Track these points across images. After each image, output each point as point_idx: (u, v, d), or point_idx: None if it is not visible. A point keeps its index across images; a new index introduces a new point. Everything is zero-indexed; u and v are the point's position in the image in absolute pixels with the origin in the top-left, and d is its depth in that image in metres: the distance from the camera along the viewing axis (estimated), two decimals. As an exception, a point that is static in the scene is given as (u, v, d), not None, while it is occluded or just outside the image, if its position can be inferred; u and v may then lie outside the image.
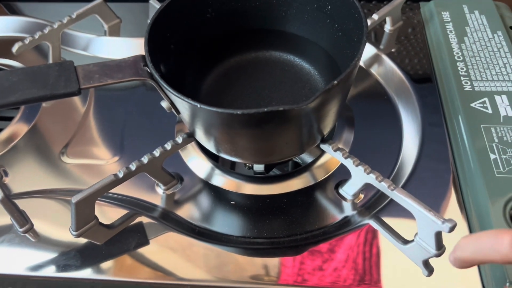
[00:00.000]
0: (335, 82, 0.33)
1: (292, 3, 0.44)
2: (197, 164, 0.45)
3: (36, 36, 0.51)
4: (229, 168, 0.44)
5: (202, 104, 0.32)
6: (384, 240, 0.39)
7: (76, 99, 0.52)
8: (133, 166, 0.39)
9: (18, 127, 0.50)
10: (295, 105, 0.32)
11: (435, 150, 0.44)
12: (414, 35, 0.54)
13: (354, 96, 0.50)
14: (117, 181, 0.38)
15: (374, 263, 0.37)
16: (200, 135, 0.38)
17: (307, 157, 0.46)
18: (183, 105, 0.34)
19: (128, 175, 0.38)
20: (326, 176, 0.44)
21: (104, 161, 0.47)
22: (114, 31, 0.58)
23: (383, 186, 0.37)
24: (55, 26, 0.52)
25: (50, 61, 0.54)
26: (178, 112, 0.38)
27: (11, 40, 0.53)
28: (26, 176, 0.46)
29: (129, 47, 0.57)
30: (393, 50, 0.53)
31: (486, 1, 0.55)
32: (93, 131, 0.49)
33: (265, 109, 0.32)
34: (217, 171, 0.44)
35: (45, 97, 0.33)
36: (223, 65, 0.47)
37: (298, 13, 0.44)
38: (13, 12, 0.64)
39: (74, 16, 0.52)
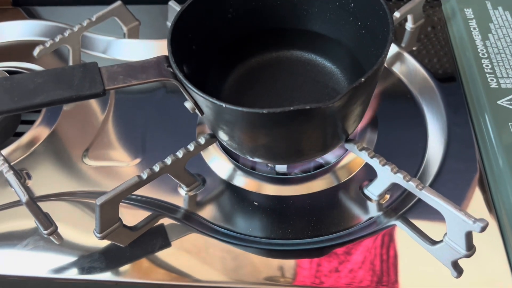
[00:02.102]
0: (362, 79, 0.32)
1: (314, 2, 0.43)
2: (219, 164, 0.45)
3: (57, 40, 0.51)
4: (250, 167, 0.44)
5: (227, 104, 0.32)
6: (411, 241, 0.38)
7: (96, 103, 0.52)
8: (156, 168, 0.38)
9: (39, 131, 0.50)
10: (321, 104, 0.31)
11: (461, 149, 0.43)
12: (436, 32, 0.54)
13: (376, 95, 0.49)
14: (141, 183, 0.38)
15: (402, 265, 0.37)
16: (222, 136, 0.38)
17: (330, 158, 0.45)
18: (208, 105, 0.34)
19: (152, 176, 0.38)
20: (350, 177, 0.43)
21: (125, 163, 0.47)
22: (133, 34, 0.58)
23: (411, 185, 0.36)
24: (75, 29, 0.52)
25: (70, 63, 0.54)
26: (202, 112, 0.37)
27: (32, 44, 0.54)
28: (48, 179, 0.46)
29: (148, 49, 0.57)
30: (415, 48, 0.53)
31: (510, -3, 0.54)
32: (114, 133, 0.49)
33: (291, 108, 0.31)
34: (238, 172, 0.44)
35: (71, 98, 0.33)
36: (244, 65, 0.46)
37: (320, 11, 0.44)
38: (32, 16, 0.64)
39: (94, 19, 0.53)
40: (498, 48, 0.48)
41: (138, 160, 0.47)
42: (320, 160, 0.45)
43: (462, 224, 0.33)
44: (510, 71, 0.46)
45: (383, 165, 0.38)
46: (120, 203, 0.38)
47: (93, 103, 0.52)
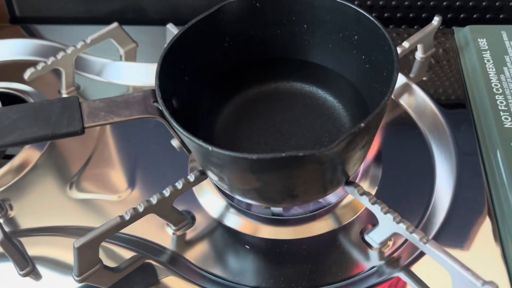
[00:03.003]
0: (362, 124, 0.29)
1: (316, 31, 0.41)
2: (211, 201, 0.42)
3: (49, 62, 0.49)
4: (245, 207, 0.41)
5: (213, 147, 0.29)
6: (415, 296, 0.35)
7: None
8: (140, 207, 0.36)
9: (27, 157, 0.48)
10: (316, 150, 0.29)
11: (471, 194, 0.40)
12: (447, 63, 0.51)
13: (381, 129, 0.46)
14: (123, 224, 0.35)
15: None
16: (212, 176, 0.35)
17: (331, 197, 0.42)
18: (194, 146, 0.32)
19: (135, 217, 0.36)
20: (352, 219, 0.40)
21: (114, 197, 0.44)
22: (130, 56, 0.55)
23: (414, 238, 0.33)
24: (69, 51, 0.50)
25: (63, 86, 0.52)
26: (189, 151, 0.35)
27: (25, 64, 0.52)
28: (32, 210, 0.43)
29: (145, 72, 0.54)
30: (424, 78, 0.50)
31: (527, 27, 0.51)
32: (104, 163, 0.47)
33: (283, 155, 0.29)
34: (231, 210, 0.41)
35: (46, 137, 0.30)
36: (240, 97, 0.44)
37: (322, 42, 0.41)
38: (31, 34, 0.63)
39: (88, 41, 0.51)
40: (514, 83, 0.45)
41: (127, 194, 0.44)
42: (320, 200, 0.42)
43: (469, 285, 0.30)
44: (527, 110, 0.42)
45: (385, 213, 0.35)
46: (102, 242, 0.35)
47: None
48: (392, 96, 0.49)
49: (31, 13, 0.63)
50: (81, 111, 0.32)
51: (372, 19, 0.36)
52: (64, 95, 0.53)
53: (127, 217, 0.35)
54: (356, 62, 0.39)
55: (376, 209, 0.35)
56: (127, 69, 0.55)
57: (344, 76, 0.41)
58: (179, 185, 0.37)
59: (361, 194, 0.36)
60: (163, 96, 0.33)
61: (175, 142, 0.35)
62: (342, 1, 0.38)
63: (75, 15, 0.62)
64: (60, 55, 0.50)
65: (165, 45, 0.37)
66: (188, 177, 0.38)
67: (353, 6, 0.37)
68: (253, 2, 0.40)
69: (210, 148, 0.29)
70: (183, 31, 0.37)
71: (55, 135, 0.30)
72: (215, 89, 0.42)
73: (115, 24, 0.52)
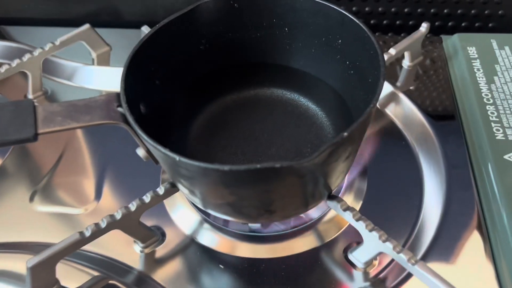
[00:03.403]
0: (345, 134, 0.27)
1: (298, 35, 0.38)
2: (183, 216, 0.39)
3: (14, 64, 0.46)
4: (220, 222, 0.38)
5: (181, 157, 0.26)
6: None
7: (54, 136, 0.46)
8: (103, 223, 0.32)
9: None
10: (294, 162, 0.26)
11: (462, 209, 0.37)
12: (436, 72, 0.48)
13: (366, 140, 0.44)
14: (83, 241, 0.32)
15: None
16: (182, 189, 0.32)
17: (312, 212, 0.39)
18: (160, 156, 0.29)
19: (97, 233, 0.32)
20: (334, 237, 0.37)
21: (81, 209, 0.41)
22: (103, 60, 0.52)
23: (402, 258, 0.30)
24: (36, 53, 0.46)
25: (30, 91, 0.49)
26: (156, 162, 0.32)
27: (-10, 67, 0.48)
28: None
29: (119, 77, 0.51)
30: (411, 88, 0.47)
31: (517, 36, 0.49)
32: (71, 173, 0.43)
33: (258, 166, 0.26)
34: (205, 226, 0.38)
35: (-7, 144, 0.27)
36: (217, 103, 0.41)
37: (304, 46, 0.39)
38: (2, 37, 0.59)
39: (57, 43, 0.47)
40: (505, 93, 0.43)
41: (94, 207, 0.41)
42: (301, 215, 0.39)
43: (462, 311, 0.28)
44: (519, 121, 0.40)
45: (370, 230, 0.32)
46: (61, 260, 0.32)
47: (51, 136, 0.47)
48: (378, 106, 0.47)
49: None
50: (35, 115, 0.29)
51: (357, 21, 0.33)
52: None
53: (87, 234, 0.32)
54: (340, 68, 0.37)
55: (360, 226, 0.32)
56: (99, 74, 0.52)
57: (328, 82, 0.39)
58: (147, 198, 0.34)
59: (345, 210, 0.33)
60: (129, 100, 0.30)
61: (140, 152, 0.32)
62: (325, 3, 0.35)
63: (47, 16, 0.59)
64: (26, 57, 0.46)
65: (134, 46, 0.34)
66: (158, 189, 0.35)
67: (337, 8, 0.35)
68: (231, 3, 0.37)
69: (177, 158, 0.26)
70: (154, 31, 0.35)
71: (4, 142, 0.27)
72: (189, 94, 0.39)
73: (86, 26, 0.49)
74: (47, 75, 0.52)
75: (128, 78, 0.32)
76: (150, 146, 0.28)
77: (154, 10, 0.56)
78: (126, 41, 0.56)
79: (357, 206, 0.39)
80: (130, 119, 0.29)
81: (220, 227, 0.38)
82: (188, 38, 0.37)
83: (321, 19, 0.36)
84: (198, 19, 0.37)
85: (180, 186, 0.32)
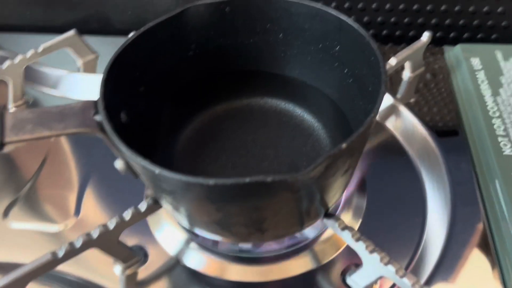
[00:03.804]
0: (344, 145, 0.24)
1: (293, 41, 0.36)
2: (168, 235, 0.36)
3: (-7, 71, 0.43)
4: (207, 242, 0.35)
5: (162, 169, 0.24)
6: None
7: (33, 145, 0.44)
8: (78, 242, 0.30)
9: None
10: (288, 175, 0.23)
11: (468, 229, 0.35)
12: (438, 84, 0.46)
13: (366, 154, 0.41)
14: (55, 262, 0.29)
15: None
16: (166, 205, 0.30)
17: (308, 232, 0.36)
18: (139, 168, 0.26)
19: (71, 253, 0.30)
20: (332, 258, 0.34)
21: (60, 225, 0.38)
22: (90, 68, 0.50)
23: (405, 284, 0.27)
24: (16, 60, 0.44)
25: (10, 99, 0.46)
26: (135, 175, 0.29)
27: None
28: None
29: (106, 86, 0.49)
30: (412, 100, 0.45)
31: (523, 47, 0.47)
32: (50, 186, 0.41)
33: (247, 180, 0.23)
34: (192, 246, 0.35)
35: (-48, 152, 0.24)
36: (207, 113, 0.38)
37: (300, 53, 0.36)
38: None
39: (40, 49, 0.45)
40: (512, 106, 0.41)
41: (74, 222, 0.38)
42: (296, 234, 0.37)
43: None
44: (527, 135, 0.38)
45: (371, 252, 0.29)
46: (35, 282, 0.29)
47: (30, 146, 0.44)
48: (378, 118, 0.44)
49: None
50: (2, 123, 0.26)
51: (356, 27, 0.31)
52: (12, 110, 0.47)
53: (60, 254, 0.29)
54: (338, 76, 0.34)
55: (360, 248, 0.30)
56: (85, 82, 0.49)
57: (325, 92, 0.36)
58: (127, 215, 0.31)
59: (343, 229, 0.30)
60: (107, 107, 0.28)
61: (119, 164, 0.29)
62: (322, 7, 0.33)
63: (34, 23, 0.57)
64: (5, 64, 0.44)
65: (117, 49, 0.32)
66: (139, 206, 0.32)
67: (334, 13, 0.33)
68: (222, 7, 0.35)
69: (156, 170, 0.24)
70: (138, 34, 0.32)
71: (-35, 151, 0.24)
72: (177, 103, 0.37)
73: (72, 32, 0.47)
74: (30, 83, 0.49)
75: (108, 84, 0.29)
76: (128, 156, 0.25)
77: (144, 17, 0.54)
78: (114, 48, 0.54)
79: (356, 225, 0.36)
80: (107, 127, 0.26)
81: (208, 247, 0.35)
82: (176, 43, 0.35)
83: (318, 24, 0.34)
84: (187, 23, 0.34)
85: (163, 202, 0.30)
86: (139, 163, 0.24)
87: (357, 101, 0.32)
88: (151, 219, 0.37)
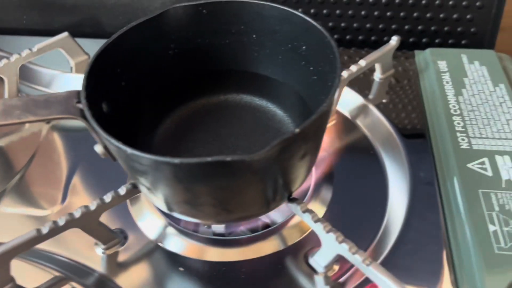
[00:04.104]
0: (297, 130, 0.27)
1: (265, 43, 0.39)
2: (148, 220, 0.39)
3: (-11, 69, 0.47)
4: (183, 225, 0.38)
5: (133, 150, 0.27)
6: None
7: (26, 136, 0.47)
8: (61, 221, 0.32)
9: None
10: (246, 155, 0.26)
11: (425, 217, 0.37)
12: (407, 85, 0.49)
13: (336, 149, 0.44)
14: (39, 238, 0.32)
15: None
16: (141, 187, 0.32)
17: (277, 216, 0.39)
18: (114, 150, 0.29)
19: (55, 231, 0.32)
20: (297, 240, 0.37)
21: (49, 210, 0.41)
22: (82, 68, 0.53)
23: (356, 259, 0.30)
24: (12, 59, 0.47)
25: (6, 96, 0.49)
26: (114, 158, 0.32)
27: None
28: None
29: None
30: (384, 100, 0.48)
31: (488, 52, 0.50)
32: (40, 174, 0.44)
33: (209, 159, 0.26)
34: (169, 230, 0.38)
35: None
36: (186, 108, 0.41)
37: (272, 53, 0.39)
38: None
39: (34, 50, 0.48)
40: (472, 105, 0.43)
41: (62, 207, 0.41)
42: (265, 218, 0.39)
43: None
44: (484, 131, 0.41)
45: (328, 231, 0.32)
46: (19, 259, 0.32)
47: (23, 137, 0.47)
48: (350, 117, 0.47)
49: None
50: (-7, 108, 0.29)
51: (319, 27, 0.34)
52: (7, 106, 0.50)
53: (44, 231, 0.32)
54: (305, 74, 0.37)
55: (318, 228, 0.32)
56: (77, 82, 0.52)
57: (295, 89, 0.39)
58: (107, 198, 0.34)
59: (304, 212, 0.33)
60: (89, 97, 0.31)
61: (98, 148, 0.32)
62: (291, 10, 0.36)
63: (30, 27, 0.60)
64: (2, 62, 0.47)
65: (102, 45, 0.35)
66: (119, 190, 0.35)
67: (302, 15, 0.36)
68: (200, 9, 0.38)
69: (128, 151, 0.27)
70: (121, 34, 0.35)
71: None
72: (158, 97, 0.40)
73: (65, 34, 0.50)
74: (25, 82, 0.53)
75: (91, 77, 0.32)
76: (104, 138, 0.28)
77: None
78: (106, 51, 0.57)
79: (321, 213, 0.39)
80: (87, 113, 0.29)
81: (185, 231, 0.38)
82: (156, 43, 0.38)
83: (287, 26, 0.37)
84: (167, 24, 0.38)
85: (138, 184, 0.32)
86: (113, 143, 0.27)
87: (320, 96, 0.35)
88: (133, 206, 0.39)
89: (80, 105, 0.31)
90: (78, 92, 0.31)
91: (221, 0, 0.38)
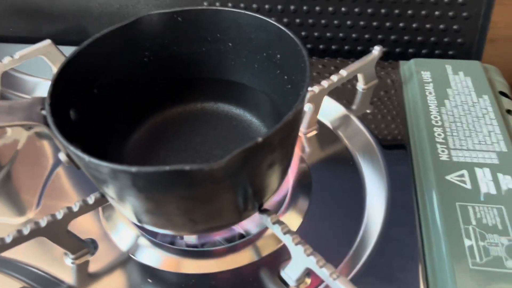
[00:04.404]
0: (260, 139, 0.26)
1: (241, 51, 0.39)
2: (118, 229, 0.38)
3: (-30, 76, 0.46)
4: (156, 236, 0.37)
5: (91, 157, 0.26)
6: None
7: (5, 143, 0.46)
8: (26, 230, 0.32)
9: None
10: (205, 165, 0.25)
11: (401, 229, 0.36)
12: (391, 96, 0.48)
13: (315, 160, 0.43)
14: (2, 247, 0.31)
15: None
16: (108, 198, 0.32)
17: (251, 227, 0.38)
18: (75, 157, 0.28)
19: (19, 240, 0.32)
20: (272, 251, 0.36)
21: (22, 218, 0.40)
22: (65, 76, 0.53)
23: (323, 273, 0.29)
24: (-7, 66, 0.47)
25: (-13, 103, 0.49)
26: (77, 166, 0.32)
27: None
28: None
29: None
30: (368, 111, 0.47)
31: (473, 62, 0.49)
32: (17, 181, 0.43)
33: (167, 168, 0.25)
34: (141, 241, 0.37)
35: None
36: (162, 115, 0.41)
37: (248, 62, 0.39)
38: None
39: (16, 57, 0.48)
40: (454, 116, 0.43)
41: (36, 215, 0.40)
42: (239, 228, 0.39)
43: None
44: (465, 143, 0.40)
45: (296, 244, 0.31)
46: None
47: (1, 144, 0.47)
48: (331, 127, 0.46)
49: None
50: (-44, 114, 0.29)
51: (292, 36, 0.34)
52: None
53: (8, 240, 0.31)
54: (280, 83, 0.37)
55: (287, 240, 0.32)
56: (59, 89, 0.52)
57: (271, 97, 0.39)
58: (75, 207, 0.34)
59: (274, 223, 0.32)
60: (54, 104, 0.30)
61: (62, 155, 0.32)
62: (266, 18, 0.36)
63: (18, 34, 0.60)
64: (-18, 69, 0.47)
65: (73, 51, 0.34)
66: (87, 198, 0.34)
67: (276, 24, 0.35)
68: (175, 17, 0.38)
69: (86, 158, 0.26)
70: (93, 40, 0.35)
71: None
72: (132, 105, 0.39)
73: (47, 41, 0.50)
74: (8, 89, 0.52)
75: (58, 83, 0.32)
76: (65, 146, 0.28)
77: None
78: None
79: (297, 223, 0.38)
80: (50, 120, 0.29)
81: (157, 242, 0.37)
82: (130, 50, 0.38)
83: (263, 34, 0.37)
84: (141, 31, 0.37)
85: (103, 192, 0.32)
86: (72, 150, 0.27)
87: (293, 106, 0.35)
88: (105, 215, 0.39)
89: (44, 112, 0.30)
90: (42, 99, 0.31)
91: (196, 8, 0.37)
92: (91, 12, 0.57)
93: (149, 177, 0.26)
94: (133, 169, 0.25)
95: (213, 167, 0.25)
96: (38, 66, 0.52)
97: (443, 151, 0.39)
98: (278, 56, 0.36)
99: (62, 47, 0.51)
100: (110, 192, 0.30)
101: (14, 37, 0.60)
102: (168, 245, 0.37)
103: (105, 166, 0.26)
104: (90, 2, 0.56)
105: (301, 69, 0.33)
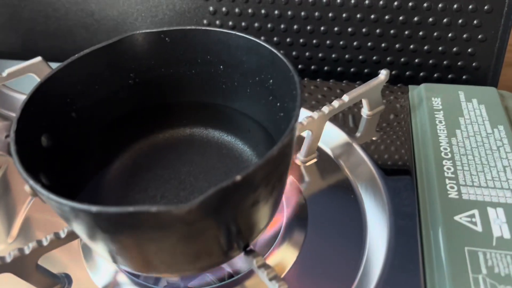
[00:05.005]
0: (238, 177, 0.23)
1: (233, 74, 0.36)
2: (96, 263, 0.35)
3: (-44, 94, 0.45)
4: (138, 276, 0.34)
5: (50, 193, 0.23)
6: None
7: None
8: (-12, 265, 0.29)
9: None
10: (173, 206, 0.22)
11: (403, 271, 0.33)
12: (398, 123, 0.45)
13: (313, 191, 0.40)
14: (-40, 284, 0.29)
15: None
16: (77, 233, 0.29)
17: (241, 265, 0.35)
18: (34, 189, 0.26)
19: (-20, 276, 0.29)
20: (261, 295, 0.33)
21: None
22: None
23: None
24: (-20, 84, 0.45)
25: (-26, 122, 0.47)
26: (43, 200, 0.29)
27: None
28: None
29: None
30: (374, 138, 0.44)
31: (488, 89, 0.45)
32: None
33: (131, 209, 0.22)
34: (120, 278, 0.34)
35: None
36: (147, 141, 0.38)
37: (239, 86, 0.36)
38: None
39: (5, 74, 0.46)
40: (466, 148, 0.39)
41: (6, 245, 0.38)
42: (228, 268, 0.36)
43: None
44: (476, 179, 0.36)
45: (282, 292, 0.28)
46: None
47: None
48: (332, 155, 0.43)
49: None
50: None
51: (284, 60, 0.31)
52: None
53: (-32, 276, 0.29)
54: (272, 110, 0.34)
55: (273, 287, 0.28)
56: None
57: (263, 125, 0.36)
58: (46, 241, 0.31)
59: (259, 267, 0.29)
60: (21, 130, 0.28)
61: (26, 187, 0.29)
62: (258, 40, 0.33)
63: (11, 50, 0.59)
64: (-31, 86, 0.45)
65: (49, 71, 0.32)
66: (60, 232, 0.31)
67: (268, 46, 0.33)
68: (162, 36, 0.35)
69: (44, 193, 0.23)
70: (71, 61, 0.33)
71: None
72: (115, 130, 0.37)
73: (38, 58, 0.48)
74: (-1, 107, 0.51)
75: (29, 107, 0.29)
76: (24, 178, 0.25)
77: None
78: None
79: (291, 260, 0.35)
80: (12, 148, 0.26)
81: (137, 281, 0.34)
82: (114, 71, 0.35)
83: (254, 57, 0.34)
84: (125, 52, 0.35)
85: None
86: (31, 184, 0.24)
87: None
88: (83, 247, 0.36)
89: (9, 140, 0.28)
90: (10, 125, 0.29)
91: (185, 27, 0.35)
92: (87, 28, 0.55)
93: (111, 218, 0.23)
94: (94, 209, 0.23)
95: (183, 209, 0.23)
96: (32, 84, 0.50)
97: (452, 187, 0.36)
98: (271, 81, 0.33)
99: (57, 64, 0.49)
100: (77, 230, 0.27)
101: (9, 53, 0.58)
102: (151, 285, 0.34)
103: (64, 204, 0.23)
104: (86, 18, 0.55)
105: (292, 97, 0.30)
